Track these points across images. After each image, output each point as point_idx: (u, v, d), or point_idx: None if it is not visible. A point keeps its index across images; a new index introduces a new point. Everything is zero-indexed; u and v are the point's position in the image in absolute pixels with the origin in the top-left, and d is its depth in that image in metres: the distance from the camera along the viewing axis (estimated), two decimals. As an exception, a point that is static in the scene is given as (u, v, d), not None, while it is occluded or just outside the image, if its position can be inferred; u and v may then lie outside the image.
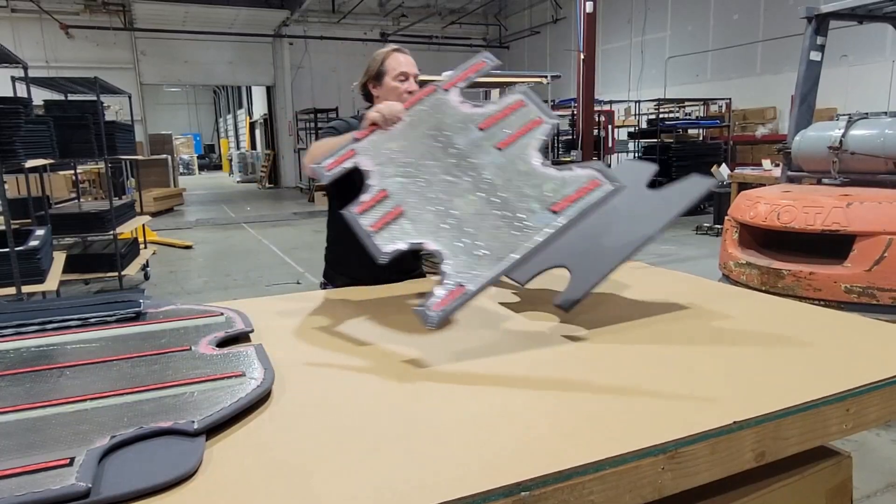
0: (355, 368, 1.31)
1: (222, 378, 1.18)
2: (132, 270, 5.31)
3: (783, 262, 3.01)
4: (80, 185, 11.68)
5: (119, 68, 16.30)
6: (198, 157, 30.86)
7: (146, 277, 6.34)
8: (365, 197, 1.51)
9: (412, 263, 2.23)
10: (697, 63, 13.47)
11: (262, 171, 20.26)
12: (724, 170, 8.28)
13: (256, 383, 1.15)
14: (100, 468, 0.88)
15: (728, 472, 1.04)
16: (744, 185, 7.98)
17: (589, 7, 5.25)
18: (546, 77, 5.31)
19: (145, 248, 6.41)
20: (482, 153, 1.59)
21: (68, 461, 0.88)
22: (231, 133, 31.55)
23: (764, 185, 7.64)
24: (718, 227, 8.42)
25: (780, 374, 1.21)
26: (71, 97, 5.75)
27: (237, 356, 1.30)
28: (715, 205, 8.70)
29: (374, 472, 0.89)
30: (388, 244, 1.42)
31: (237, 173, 24.10)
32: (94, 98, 5.35)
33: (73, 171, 6.69)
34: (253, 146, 24.95)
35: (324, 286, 2.24)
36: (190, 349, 1.35)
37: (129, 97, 6.13)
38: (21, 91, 4.47)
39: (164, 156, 14.99)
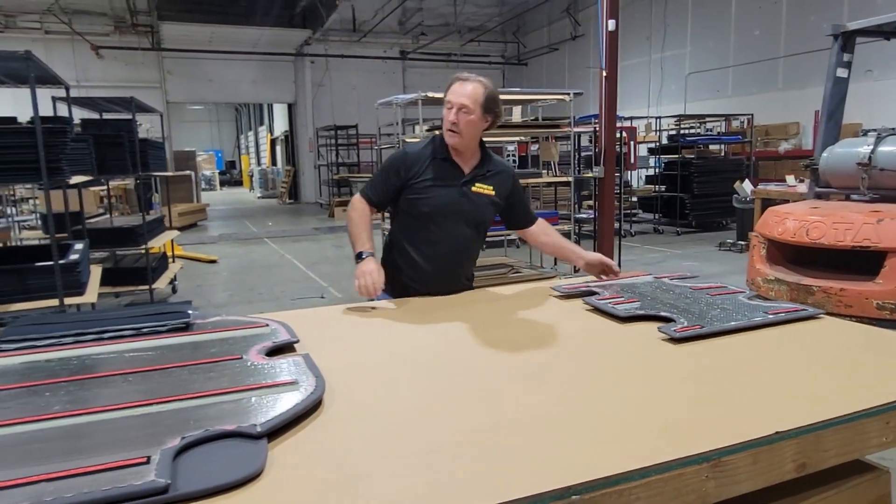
0: (401, 376, 1.36)
1: (276, 385, 1.23)
2: (161, 284, 5.43)
3: (813, 278, 3.00)
4: (108, 202, 11.99)
5: (146, 87, 16.71)
6: (219, 173, 31.39)
7: (174, 291, 6.47)
8: None
9: (465, 284, 2.30)
10: (718, 79, 13.46)
11: (282, 187, 20.54)
12: (747, 185, 8.25)
13: (310, 390, 1.20)
14: (174, 467, 0.93)
15: (769, 482, 1.06)
16: (767, 202, 7.94)
17: (611, 25, 5.31)
18: (569, 94, 5.37)
19: (173, 262, 6.54)
20: None
21: (146, 459, 0.94)
22: (252, 149, 32.07)
23: (788, 201, 7.60)
24: (742, 243, 8.36)
25: (821, 386, 1.24)
26: (105, 116, 5.93)
27: (288, 365, 1.35)
28: (738, 221, 8.66)
29: (426, 475, 0.94)
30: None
31: (258, 189, 24.45)
32: (127, 116, 5.53)
33: (102, 188, 6.86)
34: (274, 162, 25.32)
35: None
36: (241, 358, 1.41)
37: (161, 115, 6.31)
38: (60, 110, 4.64)
39: (188, 172, 15.29)
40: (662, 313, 1.71)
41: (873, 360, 1.40)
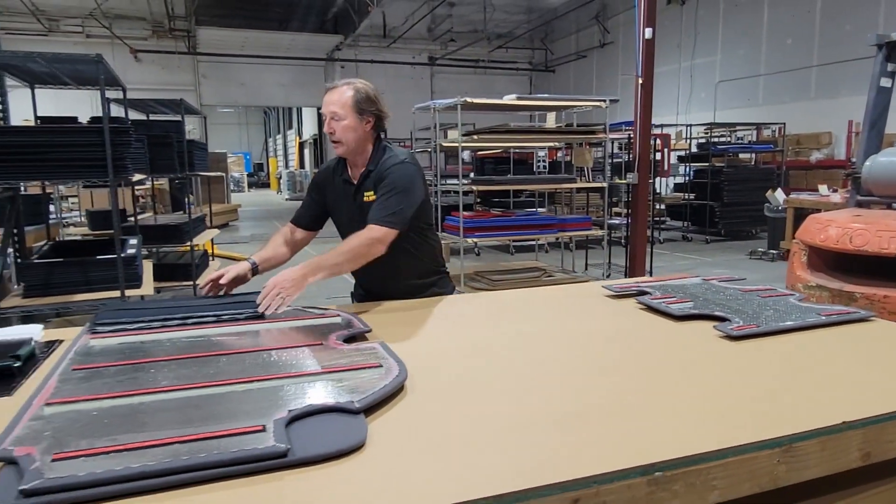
0: (474, 364, 1.44)
1: (363, 368, 1.32)
2: (203, 281, 5.59)
3: (855, 285, 3.02)
4: (143, 200, 12.28)
5: (182, 90, 17.09)
6: (247, 175, 31.90)
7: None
8: None
9: (416, 285, 2.27)
10: (749, 87, 13.36)
11: (310, 190, 20.78)
12: (779, 194, 8.19)
13: (396, 372, 1.29)
14: (286, 434, 1.02)
15: (836, 469, 1.12)
16: (800, 211, 7.87)
17: (648, 33, 5.36)
18: (605, 101, 5.42)
19: (213, 260, 6.72)
20: None
21: (262, 428, 1.03)
22: (280, 152, 32.54)
23: (821, 210, 7.54)
24: (773, 252, 8.30)
25: (884, 381, 1.29)
26: (152, 117, 6.15)
27: (368, 350, 1.45)
28: (769, 230, 8.59)
29: (517, 450, 1.01)
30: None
31: (286, 191, 24.81)
32: (172, 118, 5.73)
33: (139, 188, 7.07)
34: (302, 165, 25.67)
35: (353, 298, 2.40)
36: (321, 344, 1.51)
37: (205, 118, 6.50)
38: (112, 111, 4.83)
39: (219, 173, 15.60)
40: (716, 313, 1.76)
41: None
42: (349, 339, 1.58)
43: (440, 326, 1.81)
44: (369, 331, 1.65)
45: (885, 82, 3.73)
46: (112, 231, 5.00)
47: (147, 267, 4.02)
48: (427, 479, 0.92)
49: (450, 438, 1.06)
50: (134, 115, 5.97)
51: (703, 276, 2.32)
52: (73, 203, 11.53)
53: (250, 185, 32.08)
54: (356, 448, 1.01)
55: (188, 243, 5.10)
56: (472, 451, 1.01)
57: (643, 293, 2.04)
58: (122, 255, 3.32)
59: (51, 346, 1.65)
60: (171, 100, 5.35)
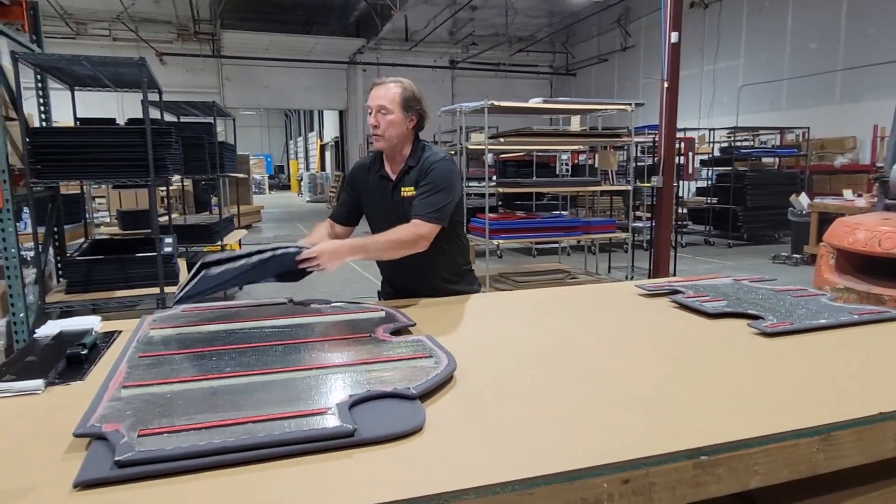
0: (520, 357, 1.50)
1: (415, 358, 1.39)
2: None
3: (884, 287, 3.03)
4: (169, 201, 12.51)
5: (205, 93, 17.39)
6: (268, 177, 32.26)
7: (240, 288, 6.77)
8: None
9: (443, 285, 2.31)
10: (772, 91, 13.25)
11: (331, 192, 21.02)
12: (803, 199, 8.13)
13: (445, 362, 1.36)
14: (350, 417, 1.10)
15: (872, 459, 1.16)
16: (824, 215, 7.81)
17: (674, 37, 5.38)
18: (630, 105, 5.45)
19: (240, 259, 6.86)
20: None
21: (327, 410, 1.10)
22: (301, 154, 32.85)
23: (844, 214, 7.48)
24: (797, 256, 8.24)
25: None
26: (182, 119, 6.31)
27: (417, 343, 1.51)
28: (793, 234, 8.53)
29: (569, 433, 1.07)
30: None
31: (307, 193, 25.05)
32: (204, 120, 5.87)
33: (162, 189, 7.22)
34: (322, 167, 25.91)
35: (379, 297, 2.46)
36: (370, 336, 1.58)
37: (234, 120, 6.66)
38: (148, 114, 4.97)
39: (243, 175, 15.84)
40: (750, 311, 1.81)
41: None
42: (395, 333, 1.65)
43: (478, 322, 1.87)
44: (413, 325, 1.72)
45: (916, 86, 3.72)
46: (145, 230, 5.15)
47: (182, 265, 4.14)
48: (485, 459, 0.99)
49: (504, 422, 1.12)
50: (166, 118, 6.14)
51: (732, 277, 2.35)
52: (99, 203, 11.79)
53: (271, 188, 32.42)
54: (416, 430, 1.08)
55: (218, 242, 5.22)
56: (526, 434, 1.07)
57: (676, 292, 2.09)
58: (162, 252, 3.43)
59: (110, 336, 1.74)
60: (203, 102, 5.50)
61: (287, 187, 33.52)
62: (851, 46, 11.57)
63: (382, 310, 1.84)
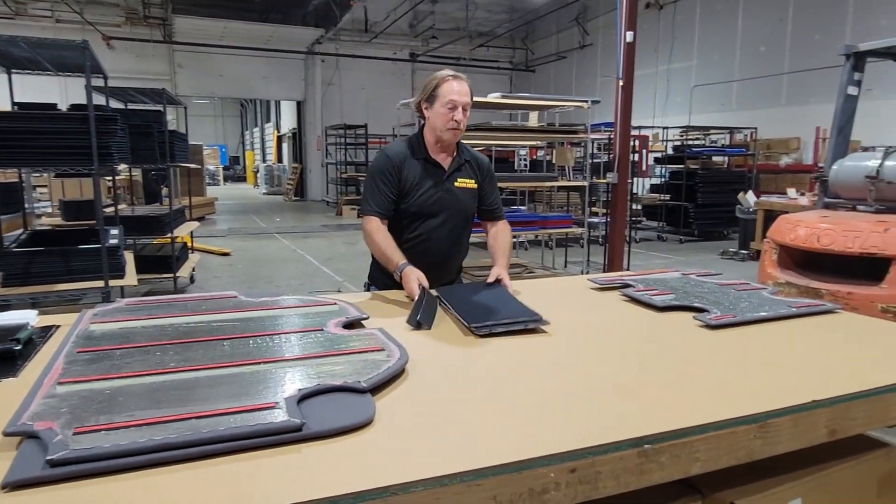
0: (469, 351, 1.51)
1: (367, 351, 1.38)
2: (184, 273, 5.56)
3: (821, 282, 3.18)
4: (117, 192, 12.06)
5: (156, 80, 16.81)
6: (223, 168, 31.48)
7: (192, 281, 6.60)
8: None
9: (455, 277, 2.42)
10: (723, 92, 13.67)
11: (288, 184, 20.67)
12: (750, 197, 8.43)
13: (398, 355, 1.35)
14: (299, 411, 1.08)
15: (805, 444, 1.22)
16: (769, 212, 8.12)
17: (629, 37, 5.48)
18: (587, 102, 5.53)
19: (192, 252, 6.68)
20: None
21: (275, 405, 1.08)
22: (257, 146, 32.17)
23: (788, 212, 7.80)
24: (744, 252, 8.55)
25: (849, 365, 1.40)
26: (130, 106, 6.07)
27: (369, 336, 1.50)
28: (741, 231, 8.84)
29: (519, 424, 1.08)
30: None
31: (263, 185, 24.57)
32: (153, 108, 5.68)
33: (109, 177, 6.99)
34: (280, 159, 25.44)
35: (368, 287, 2.38)
36: (322, 330, 1.56)
37: (185, 108, 6.45)
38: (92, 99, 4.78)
39: (196, 166, 15.40)
40: (696, 304, 1.86)
41: (891, 345, 1.57)
42: (347, 326, 1.64)
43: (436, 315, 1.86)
44: (366, 318, 1.71)
45: (852, 90, 3.90)
46: (88, 221, 4.96)
47: (129, 258, 4.00)
48: (434, 451, 0.99)
49: (454, 415, 1.13)
50: (112, 104, 5.90)
51: (681, 271, 2.42)
52: (41, 193, 11.29)
53: (226, 179, 31.64)
54: (366, 423, 1.07)
55: (168, 235, 5.07)
56: (476, 426, 1.08)
57: (627, 286, 2.14)
58: (107, 245, 3.30)
59: (47, 331, 1.67)
60: (153, 89, 5.31)
61: (243, 179, 32.79)
62: (797, 51, 12.03)
63: (335, 303, 1.82)
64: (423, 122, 2.30)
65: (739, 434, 1.13)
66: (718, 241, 10.81)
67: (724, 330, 1.66)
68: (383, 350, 1.39)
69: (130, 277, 3.47)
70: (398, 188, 2.22)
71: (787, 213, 7.79)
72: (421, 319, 1.73)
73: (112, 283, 3.31)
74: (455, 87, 2.15)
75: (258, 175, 26.26)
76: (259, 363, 1.30)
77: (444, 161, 2.28)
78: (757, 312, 1.77)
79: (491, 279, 2.07)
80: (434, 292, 1.99)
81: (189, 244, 6.68)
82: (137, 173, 10.50)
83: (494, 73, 20.97)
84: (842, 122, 3.99)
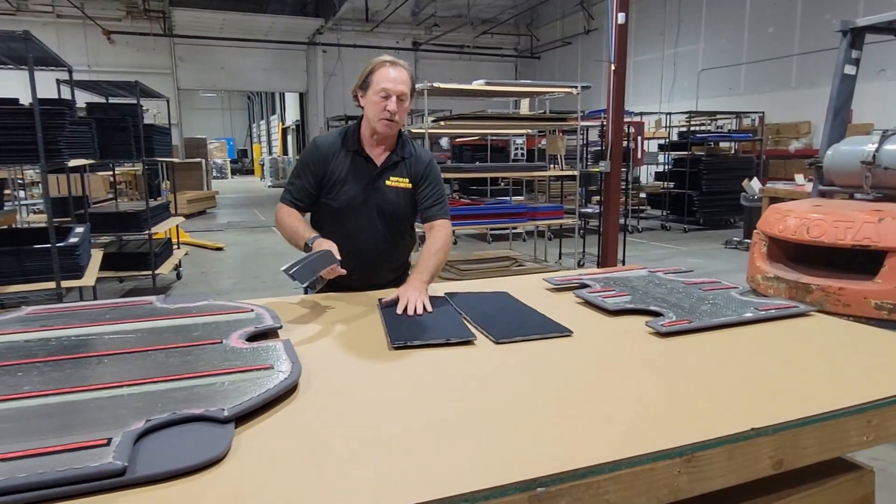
0: (382, 365, 1.35)
1: (251, 370, 1.22)
2: (165, 270, 5.45)
3: (812, 276, 2.95)
4: (118, 187, 12.03)
5: (157, 73, 16.79)
6: (231, 162, 31.45)
7: (178, 277, 6.50)
8: None
9: (387, 278, 2.20)
10: (730, 76, 13.30)
11: (292, 177, 20.54)
12: (755, 184, 8.16)
13: (284, 375, 1.19)
14: (135, 449, 0.92)
15: (745, 479, 1.04)
16: (775, 200, 7.84)
17: (621, 18, 5.24)
18: (576, 87, 5.31)
19: (178, 248, 6.57)
20: None
21: (106, 441, 0.93)
22: (264, 138, 32.14)
23: (795, 199, 7.51)
24: (748, 241, 8.28)
25: (804, 383, 1.21)
26: (112, 100, 5.95)
27: (266, 350, 1.34)
28: (745, 219, 8.57)
29: (394, 464, 0.92)
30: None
31: (268, 178, 24.51)
32: (134, 101, 5.54)
33: (110, 172, 6.91)
34: (285, 151, 25.37)
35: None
36: (221, 342, 1.40)
37: (168, 101, 6.31)
38: (65, 93, 4.66)
39: (198, 159, 15.33)
40: (652, 307, 1.68)
41: (860, 357, 1.37)
42: (257, 337, 1.48)
43: (363, 323, 1.70)
44: (280, 327, 1.55)
45: (850, 69, 3.65)
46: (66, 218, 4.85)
47: (96, 256, 3.88)
48: (284, 495, 0.83)
49: (327, 448, 0.97)
50: (92, 99, 5.79)
51: (676, 265, 2.25)
52: (38, 191, 11.29)
53: (234, 172, 31.62)
54: (213, 462, 0.92)
55: (146, 232, 4.95)
56: (342, 465, 0.92)
57: (583, 286, 1.96)
58: (62, 244, 3.17)
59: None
60: (126, 82, 5.17)
61: (251, 172, 32.74)
62: (807, 32, 11.64)
63: (251, 309, 1.67)
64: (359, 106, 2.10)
65: (660, 470, 0.96)
66: (724, 229, 10.52)
67: (675, 338, 1.48)
68: (272, 368, 1.23)
69: (89, 278, 3.34)
70: (320, 181, 2.06)
71: (794, 199, 7.52)
72: (294, 272, 1.62)
73: (67, 283, 3.18)
74: (390, 74, 1.95)
75: (264, 168, 26.20)
76: (123, 386, 1.15)
77: (379, 156, 2.09)
78: (717, 317, 1.59)
79: (389, 298, 1.79)
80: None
81: (176, 239, 6.56)
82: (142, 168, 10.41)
83: (499, 61, 20.66)
84: (838, 104, 3.74)
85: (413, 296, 1.74)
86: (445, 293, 1.90)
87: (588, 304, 1.81)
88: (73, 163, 3.32)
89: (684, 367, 1.30)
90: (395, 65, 1.98)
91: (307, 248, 1.92)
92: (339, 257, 1.82)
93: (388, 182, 2.08)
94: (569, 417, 1.07)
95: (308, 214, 2.17)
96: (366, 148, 2.08)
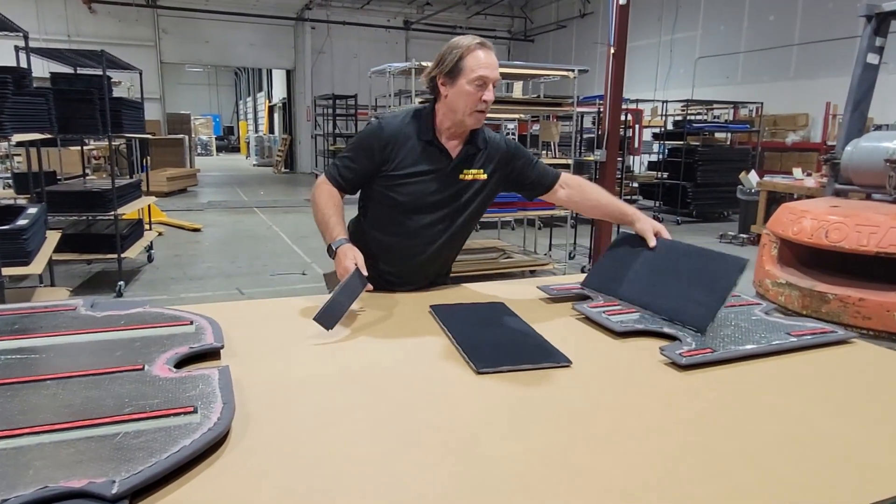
0: (343, 400, 1.08)
1: (168, 414, 0.95)
2: (133, 253, 5.13)
3: (829, 284, 2.72)
4: (95, 162, 11.58)
5: (140, 45, 16.24)
6: (216, 139, 30.83)
7: (150, 260, 6.18)
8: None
9: (444, 278, 2.03)
10: (728, 64, 13.04)
11: (278, 156, 20.12)
12: (752, 177, 7.94)
13: (212, 423, 0.93)
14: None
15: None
16: (773, 194, 7.64)
17: (622, -1, 4.96)
18: (573, 71, 5.03)
19: (150, 229, 6.24)
20: None
21: (-68, 539, 0.66)
22: (250, 116, 31.51)
23: (794, 194, 7.30)
24: (744, 236, 8.09)
25: (878, 445, 0.95)
26: (81, 71, 5.57)
27: (194, 382, 1.08)
28: (741, 213, 8.37)
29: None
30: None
31: (254, 156, 24.02)
32: (124, 73, 5.18)
33: (89, 147, 6.54)
34: (271, 130, 24.85)
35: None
36: (142, 369, 1.14)
37: (140, 73, 5.94)
38: (23, 62, 4.29)
39: (181, 136, 14.86)
40: (665, 329, 1.43)
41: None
42: (188, 360, 1.21)
43: (355, 334, 1.43)
44: (221, 347, 1.28)
45: (872, 58, 3.39)
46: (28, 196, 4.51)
47: (51, 239, 3.56)
48: None
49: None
50: (59, 69, 5.41)
51: None
52: (18, 162, 10.84)
53: (220, 149, 30.99)
54: (85, 569, 0.66)
55: (112, 212, 4.63)
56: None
57: (583, 297, 1.71)
58: (5, 227, 2.86)
59: None
60: (92, 51, 4.80)
61: (237, 149, 32.11)
62: (809, 20, 11.38)
63: (191, 322, 1.39)
64: (430, 98, 1.86)
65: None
66: (718, 222, 10.33)
67: (696, 372, 1.23)
68: (195, 411, 0.97)
69: (37, 265, 3.03)
70: (378, 168, 1.80)
71: (791, 195, 7.31)
72: (319, 318, 1.40)
73: (10, 271, 2.88)
74: (483, 60, 1.70)
75: (249, 146, 25.67)
76: (-5, 437, 0.88)
77: (454, 148, 1.83)
78: (743, 345, 1.34)
79: (651, 241, 1.77)
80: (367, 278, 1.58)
81: (148, 220, 6.23)
82: (122, 143, 9.99)
83: (492, 43, 20.23)
84: (858, 96, 3.49)
85: (657, 224, 1.80)
86: (431, 306, 1.63)
87: (589, 319, 1.56)
88: (19, 137, 3.00)
89: (711, 417, 1.05)
90: (486, 48, 1.74)
91: (330, 251, 1.69)
92: (366, 273, 1.58)
93: (461, 175, 1.84)
94: (567, 492, 0.81)
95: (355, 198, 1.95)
96: (442, 138, 1.81)
